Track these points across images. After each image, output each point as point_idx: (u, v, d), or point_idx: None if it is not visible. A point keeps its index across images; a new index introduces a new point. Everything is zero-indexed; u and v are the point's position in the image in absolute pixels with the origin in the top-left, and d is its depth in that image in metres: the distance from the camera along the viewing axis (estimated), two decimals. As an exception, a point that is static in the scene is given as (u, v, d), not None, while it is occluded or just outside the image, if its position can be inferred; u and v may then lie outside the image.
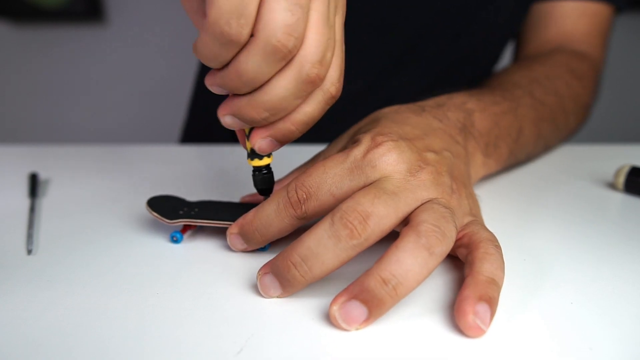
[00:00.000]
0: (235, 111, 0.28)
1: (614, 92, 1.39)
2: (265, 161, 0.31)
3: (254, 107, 0.27)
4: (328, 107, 0.29)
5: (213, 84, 0.28)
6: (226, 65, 0.26)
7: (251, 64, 0.25)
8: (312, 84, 0.27)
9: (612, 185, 0.43)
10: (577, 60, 0.56)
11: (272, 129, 0.29)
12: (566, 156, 0.51)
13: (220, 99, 0.29)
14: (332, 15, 0.27)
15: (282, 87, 0.26)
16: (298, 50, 0.26)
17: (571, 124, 0.52)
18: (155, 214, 0.33)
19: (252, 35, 0.25)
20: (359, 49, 0.59)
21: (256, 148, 0.30)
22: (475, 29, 0.60)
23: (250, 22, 0.24)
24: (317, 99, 0.28)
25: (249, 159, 0.31)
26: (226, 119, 0.29)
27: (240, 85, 0.27)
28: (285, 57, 0.25)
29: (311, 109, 0.28)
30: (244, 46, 0.25)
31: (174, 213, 0.33)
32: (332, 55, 0.28)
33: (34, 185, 0.42)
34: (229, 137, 0.61)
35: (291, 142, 0.31)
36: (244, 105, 0.28)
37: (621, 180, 0.41)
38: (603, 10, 0.59)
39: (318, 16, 0.26)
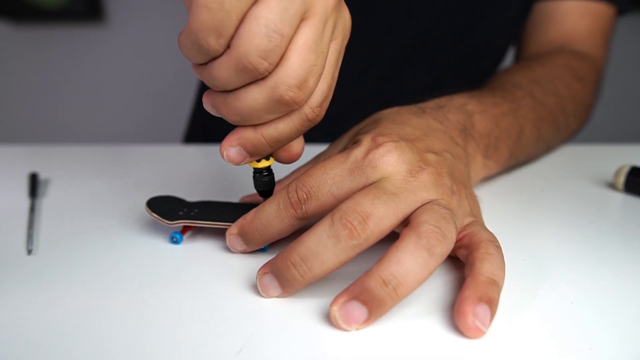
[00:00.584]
0: (213, 103, 0.28)
1: (614, 92, 1.39)
2: (266, 163, 0.31)
3: (227, 107, 0.27)
4: (304, 129, 0.29)
5: (195, 73, 0.28)
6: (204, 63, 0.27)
7: (222, 73, 0.26)
8: (286, 105, 0.27)
9: (612, 185, 0.43)
10: (577, 60, 0.56)
11: (241, 137, 0.29)
12: (566, 156, 0.51)
13: None
14: (326, 41, 0.27)
15: (252, 99, 0.27)
16: (271, 72, 0.26)
17: (572, 124, 0.52)
18: (154, 215, 0.33)
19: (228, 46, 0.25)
20: (365, 49, 0.59)
21: (224, 156, 0.29)
22: (481, 28, 0.60)
23: (228, 39, 0.25)
24: (292, 119, 0.28)
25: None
26: (207, 107, 0.29)
27: (213, 86, 0.27)
28: (256, 77, 0.26)
29: (285, 127, 0.28)
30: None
31: (174, 214, 0.33)
32: (317, 81, 0.27)
33: (34, 185, 0.42)
34: None
35: None
36: (220, 101, 0.28)
37: (621, 180, 0.41)
38: (605, 10, 0.59)
39: (305, 41, 0.26)
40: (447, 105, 0.37)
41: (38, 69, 1.68)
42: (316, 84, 0.27)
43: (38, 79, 1.70)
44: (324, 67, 0.27)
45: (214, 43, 0.24)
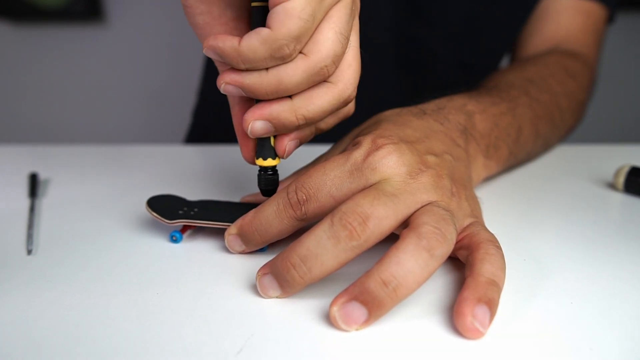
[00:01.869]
0: (272, 116, 0.29)
1: (613, 92, 1.39)
2: (272, 162, 0.31)
3: (296, 112, 0.29)
4: (338, 106, 0.31)
5: (233, 83, 0.28)
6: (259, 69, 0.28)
7: (295, 77, 0.27)
8: (346, 104, 0.30)
9: (612, 185, 0.43)
10: (570, 59, 0.56)
11: (272, 111, 0.29)
12: (566, 156, 0.51)
13: (226, 99, 0.30)
14: (357, 36, 0.30)
15: (328, 102, 0.29)
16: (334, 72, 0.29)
17: (568, 120, 0.52)
18: (154, 214, 0.33)
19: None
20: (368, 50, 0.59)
21: (249, 129, 0.29)
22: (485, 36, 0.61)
23: (304, 44, 0.27)
24: (337, 115, 0.32)
25: (257, 158, 0.31)
26: (257, 125, 0.29)
27: (274, 92, 0.28)
28: (325, 79, 0.29)
29: (332, 120, 0.32)
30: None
31: (174, 213, 0.33)
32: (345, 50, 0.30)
33: (34, 185, 0.42)
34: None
35: None
36: (285, 110, 0.29)
37: (621, 180, 0.41)
38: (596, 9, 0.60)
39: (353, 44, 0.30)
40: (447, 107, 0.37)
41: (38, 69, 1.68)
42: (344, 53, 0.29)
43: (38, 79, 1.70)
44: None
45: (294, 49, 0.26)
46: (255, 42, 0.26)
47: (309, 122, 0.29)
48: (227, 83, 0.28)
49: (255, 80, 0.28)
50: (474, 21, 0.60)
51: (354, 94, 0.30)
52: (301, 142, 0.32)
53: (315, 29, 0.27)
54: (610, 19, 0.63)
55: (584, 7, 0.59)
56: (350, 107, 0.33)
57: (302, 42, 0.27)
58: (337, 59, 0.28)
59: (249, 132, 0.29)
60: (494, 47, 0.63)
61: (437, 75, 0.63)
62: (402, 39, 0.60)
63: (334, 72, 0.28)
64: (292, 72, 0.27)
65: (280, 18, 0.25)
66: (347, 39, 0.28)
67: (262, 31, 0.26)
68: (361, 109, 0.36)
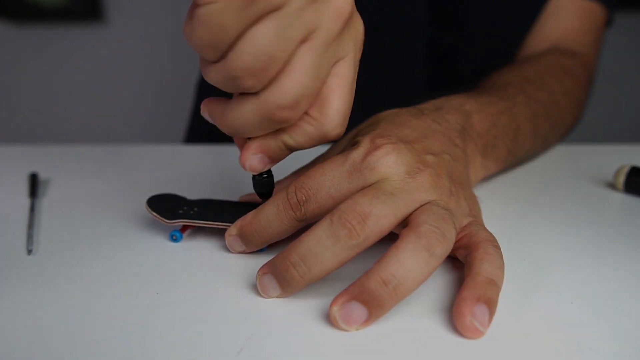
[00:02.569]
0: (210, 113, 0.29)
1: (613, 92, 1.39)
2: None
3: (222, 118, 0.28)
4: (322, 143, 0.30)
5: (212, 79, 0.27)
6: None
7: (214, 77, 0.26)
8: (277, 123, 0.27)
9: (612, 185, 0.42)
10: (568, 58, 0.56)
11: (262, 145, 0.29)
12: (566, 156, 0.51)
13: (223, 95, 0.30)
14: (326, 65, 0.27)
15: (245, 114, 0.27)
16: (263, 89, 0.26)
17: (566, 119, 0.52)
18: (154, 213, 0.33)
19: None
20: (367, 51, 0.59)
21: (247, 166, 0.29)
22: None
23: (223, 52, 0.25)
24: (310, 134, 0.29)
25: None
26: (203, 114, 0.30)
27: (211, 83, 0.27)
28: (243, 90, 0.26)
29: (303, 140, 0.29)
30: None
31: (173, 212, 0.33)
32: (309, 102, 0.27)
33: (34, 185, 0.42)
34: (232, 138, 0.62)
35: None
36: (217, 112, 0.28)
37: (621, 180, 0.41)
38: (596, 9, 0.60)
39: (301, 65, 0.26)
40: (445, 107, 0.37)
41: (38, 69, 1.68)
42: (308, 105, 0.27)
43: (38, 79, 1.70)
44: (319, 88, 0.27)
45: (211, 54, 0.25)
46: (187, 31, 0.25)
47: (234, 132, 0.28)
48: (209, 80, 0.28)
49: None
50: (493, 24, 0.60)
51: (290, 116, 0.26)
52: (271, 158, 0.29)
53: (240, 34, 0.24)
54: (608, 22, 0.63)
55: (583, 6, 0.59)
56: (329, 131, 0.28)
57: (217, 48, 0.25)
58: (253, 73, 0.25)
59: (247, 169, 0.30)
60: (511, 50, 0.63)
61: (460, 79, 0.63)
62: (433, 45, 0.61)
63: (253, 87, 0.25)
64: (211, 71, 0.26)
65: (197, 22, 0.24)
66: (272, 56, 0.24)
67: (224, 62, 0.25)
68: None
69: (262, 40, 0.24)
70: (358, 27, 0.28)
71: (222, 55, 0.25)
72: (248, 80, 0.25)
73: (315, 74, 0.26)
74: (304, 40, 0.25)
